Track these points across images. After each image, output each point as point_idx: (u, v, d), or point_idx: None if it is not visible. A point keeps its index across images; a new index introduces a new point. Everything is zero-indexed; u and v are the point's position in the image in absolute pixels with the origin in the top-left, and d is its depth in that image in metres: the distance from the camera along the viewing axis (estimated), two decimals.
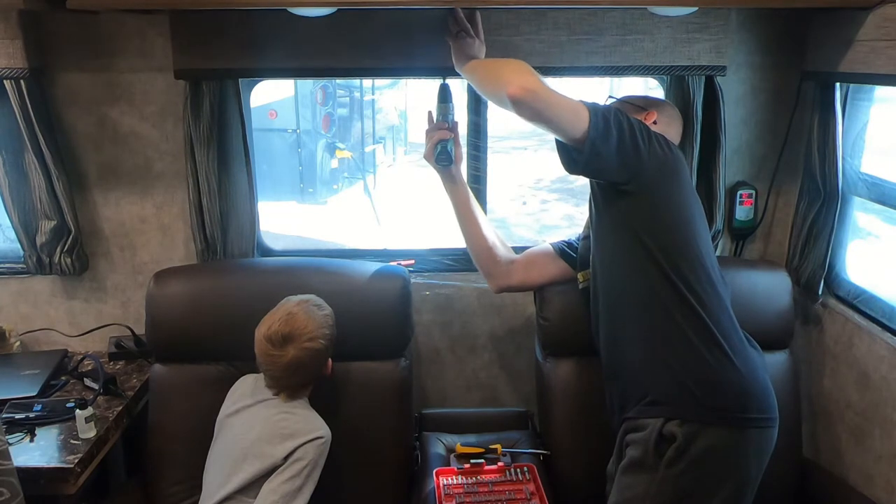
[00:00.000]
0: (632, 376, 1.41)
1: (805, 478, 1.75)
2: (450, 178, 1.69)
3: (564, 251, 1.72)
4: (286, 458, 1.48)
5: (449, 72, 1.70)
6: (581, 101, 1.32)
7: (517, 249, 1.79)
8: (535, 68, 1.78)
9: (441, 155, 1.65)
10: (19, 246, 1.93)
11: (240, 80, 1.82)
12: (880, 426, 1.64)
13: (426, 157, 1.67)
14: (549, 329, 1.78)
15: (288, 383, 1.55)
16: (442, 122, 1.66)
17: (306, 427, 1.53)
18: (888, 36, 1.46)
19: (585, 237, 1.66)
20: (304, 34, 1.75)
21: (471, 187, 2.01)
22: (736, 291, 1.53)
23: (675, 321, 1.34)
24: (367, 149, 7.34)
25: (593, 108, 1.31)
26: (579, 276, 1.65)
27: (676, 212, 1.39)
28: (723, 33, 1.78)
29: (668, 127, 1.56)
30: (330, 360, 1.60)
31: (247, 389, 1.62)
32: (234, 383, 1.66)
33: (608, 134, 1.31)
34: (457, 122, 1.69)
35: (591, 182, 1.47)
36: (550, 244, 1.76)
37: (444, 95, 1.69)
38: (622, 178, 1.37)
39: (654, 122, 1.52)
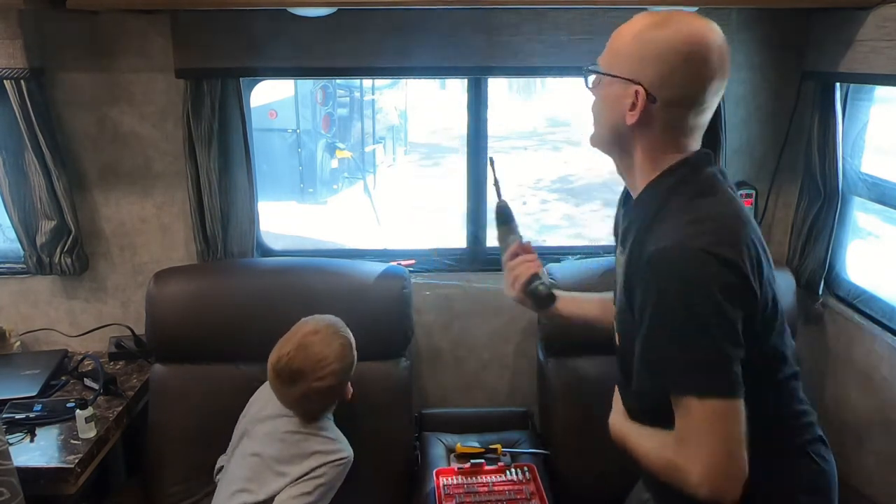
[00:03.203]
0: None
1: None
2: (551, 311, 1.35)
3: None
4: (305, 473, 1.45)
5: (449, 71, 1.70)
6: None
7: None
8: (535, 68, 1.81)
9: (538, 294, 1.27)
10: (19, 246, 1.92)
11: (240, 79, 1.82)
12: (881, 426, 1.64)
13: (515, 297, 1.32)
14: (552, 329, 1.78)
15: (301, 412, 1.51)
16: (521, 246, 1.32)
17: (327, 447, 1.49)
18: (888, 36, 1.46)
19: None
20: (304, 34, 1.75)
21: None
22: None
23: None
24: (367, 149, 7.32)
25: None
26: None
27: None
28: (723, 33, 1.77)
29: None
30: (350, 385, 1.54)
31: (271, 396, 1.55)
32: (232, 383, 1.66)
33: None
34: (530, 241, 1.35)
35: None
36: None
37: (506, 216, 1.37)
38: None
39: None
